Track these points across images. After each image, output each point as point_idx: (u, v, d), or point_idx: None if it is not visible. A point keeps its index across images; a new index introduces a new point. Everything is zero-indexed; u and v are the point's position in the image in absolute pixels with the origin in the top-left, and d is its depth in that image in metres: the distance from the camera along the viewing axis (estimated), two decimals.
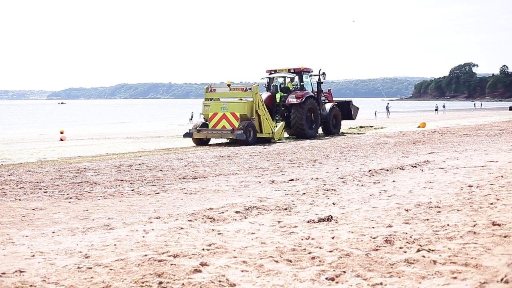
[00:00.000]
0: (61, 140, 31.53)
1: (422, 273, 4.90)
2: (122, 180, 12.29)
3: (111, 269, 5.10)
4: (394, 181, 10.96)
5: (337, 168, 13.43)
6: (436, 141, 21.70)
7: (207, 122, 25.40)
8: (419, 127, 35.10)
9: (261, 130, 25.35)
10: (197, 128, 25.40)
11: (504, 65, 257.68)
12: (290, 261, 5.39)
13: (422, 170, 12.43)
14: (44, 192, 10.83)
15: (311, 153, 18.07)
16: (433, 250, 5.58)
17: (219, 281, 4.72)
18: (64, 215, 8.49)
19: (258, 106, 25.34)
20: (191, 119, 68.95)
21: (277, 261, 5.37)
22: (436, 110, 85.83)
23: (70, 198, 10.12)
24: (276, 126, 26.33)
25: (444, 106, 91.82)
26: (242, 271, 5.08)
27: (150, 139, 29.89)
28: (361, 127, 36.62)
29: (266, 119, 25.66)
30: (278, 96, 28.66)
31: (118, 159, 17.24)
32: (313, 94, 29.35)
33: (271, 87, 29.38)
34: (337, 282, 4.79)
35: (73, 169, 14.45)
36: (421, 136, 24.55)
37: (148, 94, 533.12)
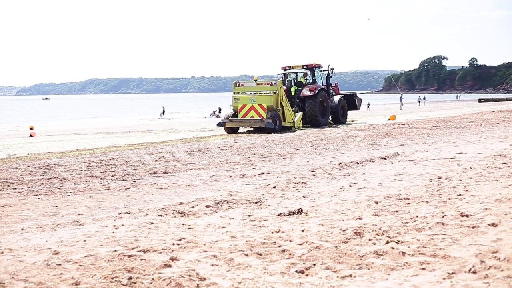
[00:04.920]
0: (31, 136, 31.25)
1: (391, 265, 4.94)
2: (92, 176, 12.21)
3: (80, 265, 5.06)
4: (364, 173, 11.01)
5: (308, 162, 13.47)
6: (406, 133, 21.86)
7: (237, 113, 28.40)
8: (389, 119, 35.29)
9: (284, 119, 28.39)
10: (229, 118, 28.36)
11: (473, 58, 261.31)
12: (260, 254, 5.40)
13: (392, 163, 12.51)
14: (14, 188, 10.72)
15: (282, 146, 18.11)
16: (402, 242, 5.62)
17: (189, 276, 4.71)
18: (33, 211, 8.42)
19: (282, 98, 28.45)
20: (163, 114, 68.55)
21: (247, 255, 5.37)
22: (419, 101, 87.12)
23: (40, 194, 10.03)
24: (296, 116, 29.24)
25: (424, 98, 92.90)
26: (212, 265, 5.08)
27: (120, 134, 29.74)
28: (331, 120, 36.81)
29: (288, 110, 28.71)
30: (293, 89, 31.25)
31: (88, 155, 17.13)
32: (324, 87, 31.74)
33: (286, 82, 31.90)
34: (307, 275, 4.81)
35: (42, 165, 14.33)
36: (391, 129, 24.72)
37: (119, 89, 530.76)
